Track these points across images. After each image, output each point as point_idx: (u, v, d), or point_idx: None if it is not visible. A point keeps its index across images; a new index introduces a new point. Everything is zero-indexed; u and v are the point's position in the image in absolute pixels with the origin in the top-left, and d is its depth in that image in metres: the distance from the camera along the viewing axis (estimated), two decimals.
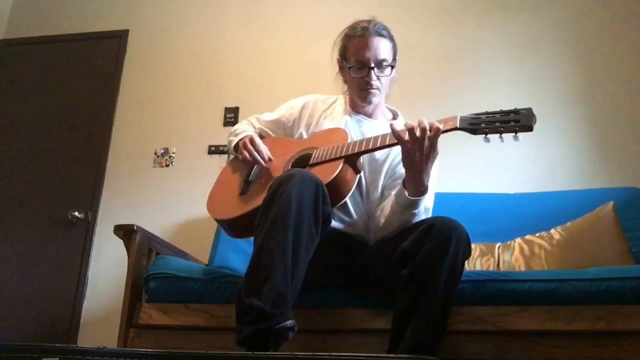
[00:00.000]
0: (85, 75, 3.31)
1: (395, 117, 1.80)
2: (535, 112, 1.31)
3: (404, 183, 1.47)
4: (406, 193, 1.44)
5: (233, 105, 3.03)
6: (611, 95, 2.68)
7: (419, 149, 1.36)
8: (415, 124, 1.37)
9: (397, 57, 1.69)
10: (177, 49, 3.25)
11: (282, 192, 1.28)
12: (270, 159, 1.68)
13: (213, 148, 2.93)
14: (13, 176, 3.13)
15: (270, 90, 2.96)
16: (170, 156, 3.01)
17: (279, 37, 3.14)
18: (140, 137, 3.09)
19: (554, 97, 2.72)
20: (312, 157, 1.58)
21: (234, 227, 1.64)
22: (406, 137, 1.37)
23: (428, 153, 1.37)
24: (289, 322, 1.20)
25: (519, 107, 1.34)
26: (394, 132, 1.40)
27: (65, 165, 3.10)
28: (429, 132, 1.35)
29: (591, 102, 2.69)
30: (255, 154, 1.68)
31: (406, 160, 1.41)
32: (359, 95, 1.69)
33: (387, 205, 1.54)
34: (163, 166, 3.00)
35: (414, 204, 1.45)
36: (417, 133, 1.35)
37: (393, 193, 1.53)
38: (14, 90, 3.36)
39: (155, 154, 3.03)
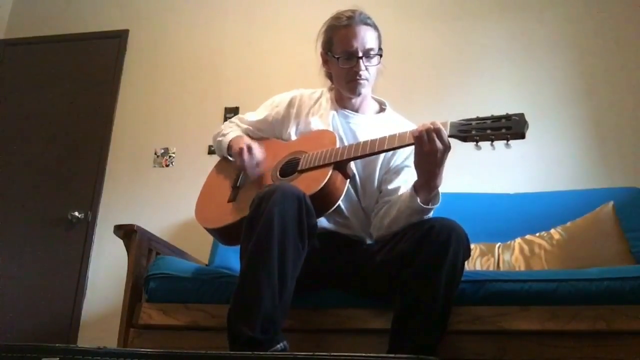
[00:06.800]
0: (85, 75, 3.31)
1: (382, 107, 1.76)
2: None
3: (415, 189, 1.43)
4: (418, 199, 1.40)
5: (233, 105, 3.03)
6: (611, 95, 2.68)
7: (432, 150, 1.33)
8: (424, 127, 1.34)
9: (382, 47, 1.63)
10: (177, 49, 3.25)
11: (263, 211, 1.26)
12: (257, 164, 1.61)
13: (213, 148, 2.92)
14: (13, 176, 3.13)
15: (270, 90, 2.91)
16: (170, 156, 3.01)
17: (278, 38, 3.14)
18: (140, 137, 3.09)
19: (554, 97, 2.72)
20: (301, 162, 1.54)
21: (224, 235, 1.61)
22: (424, 139, 1.33)
23: (442, 153, 1.34)
24: (279, 346, 1.19)
25: (513, 110, 1.30)
26: (414, 135, 1.36)
27: (65, 165, 3.10)
28: (435, 134, 1.32)
29: (591, 102, 2.69)
30: (247, 162, 1.60)
31: (421, 163, 1.37)
32: (348, 87, 1.64)
33: (394, 207, 1.50)
34: (163, 166, 3.00)
35: (426, 211, 1.42)
36: (429, 133, 1.32)
37: (401, 197, 1.50)
38: (14, 90, 3.36)
39: (155, 154, 3.03)
